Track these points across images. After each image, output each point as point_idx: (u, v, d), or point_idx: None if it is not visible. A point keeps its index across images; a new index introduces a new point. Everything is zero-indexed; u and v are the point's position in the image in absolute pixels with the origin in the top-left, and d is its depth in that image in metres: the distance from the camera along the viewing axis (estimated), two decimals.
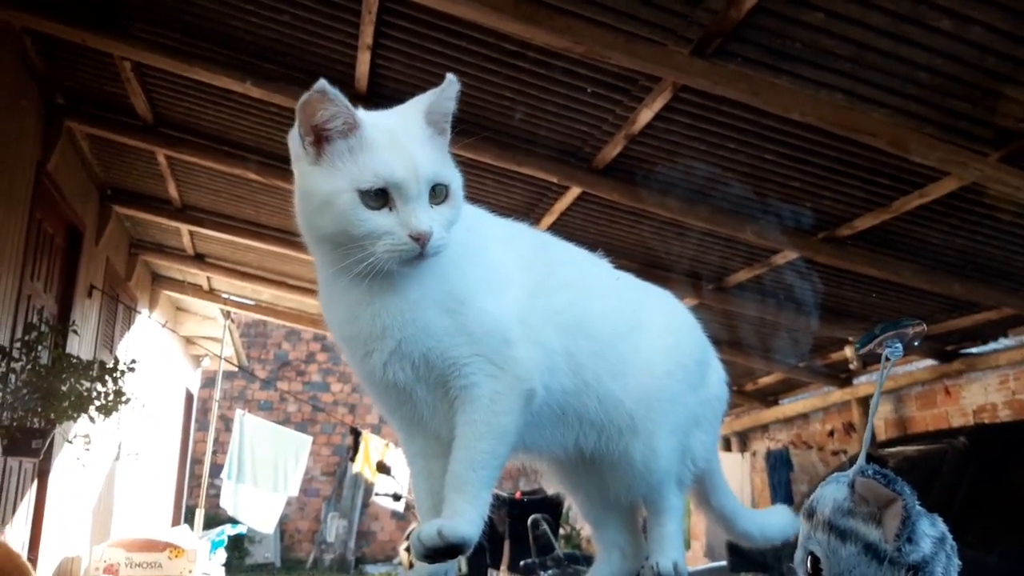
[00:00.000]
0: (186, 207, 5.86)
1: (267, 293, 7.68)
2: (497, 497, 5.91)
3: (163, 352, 8.06)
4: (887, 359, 1.23)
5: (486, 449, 1.28)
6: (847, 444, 7.11)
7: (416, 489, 1.41)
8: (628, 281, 1.66)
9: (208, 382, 11.19)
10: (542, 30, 2.88)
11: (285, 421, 12.00)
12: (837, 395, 7.03)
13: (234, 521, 8.71)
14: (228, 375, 11.53)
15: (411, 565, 1.41)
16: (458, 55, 3.27)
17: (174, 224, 6.16)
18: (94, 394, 4.17)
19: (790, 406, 7.95)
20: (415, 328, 1.27)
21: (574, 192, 4.26)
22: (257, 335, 13.23)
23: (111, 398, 4.26)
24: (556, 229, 4.63)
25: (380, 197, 1.19)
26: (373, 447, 8.34)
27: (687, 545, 7.90)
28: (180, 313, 8.86)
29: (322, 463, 12.72)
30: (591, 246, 1.65)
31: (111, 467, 6.38)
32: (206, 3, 3.38)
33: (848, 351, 5.83)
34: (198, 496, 8.93)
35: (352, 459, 8.53)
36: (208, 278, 7.63)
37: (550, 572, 4.20)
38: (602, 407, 1.45)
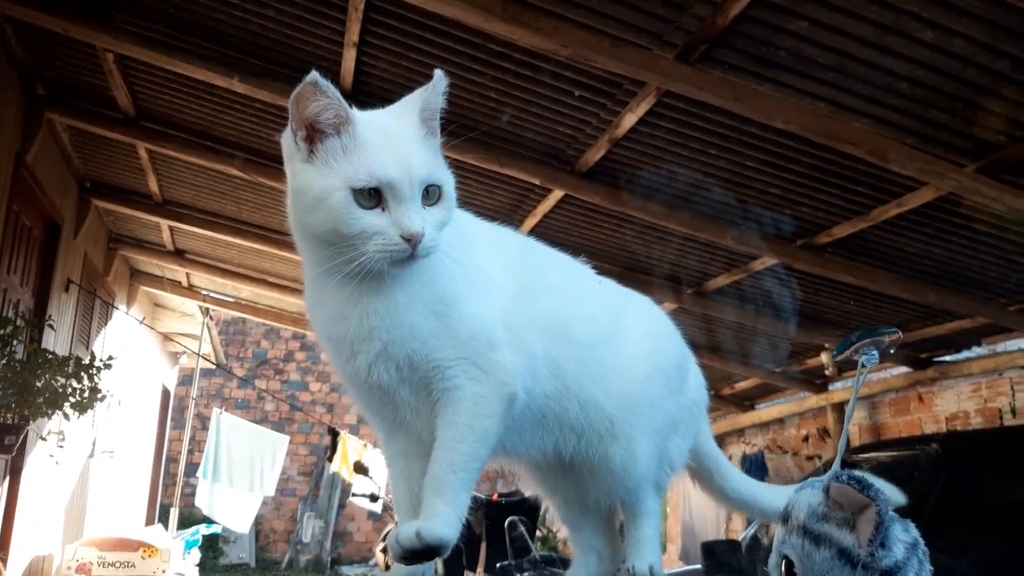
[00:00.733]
0: (167, 202, 5.80)
1: (247, 290, 7.63)
2: (474, 499, 5.92)
3: (140, 349, 7.97)
4: (863, 366, 1.24)
5: (466, 451, 1.28)
6: (821, 449, 7.18)
7: (395, 490, 1.41)
8: (609, 286, 1.67)
9: (185, 380, 11.09)
10: (528, 32, 2.88)
11: (262, 420, 11.91)
12: (813, 400, 7.09)
13: (209, 521, 8.64)
14: (206, 373, 11.43)
15: (387, 566, 1.41)
16: (444, 55, 3.26)
17: (154, 219, 6.10)
18: (69, 390, 4.13)
19: (766, 411, 8.01)
20: (402, 331, 1.27)
21: (557, 195, 4.27)
22: (236, 333, 13.13)
23: (86, 395, 4.21)
24: (538, 231, 4.64)
25: (373, 197, 1.18)
26: (351, 447, 8.31)
27: (663, 548, 7.94)
28: (158, 309, 8.77)
29: (299, 463, 12.64)
30: (573, 249, 1.66)
31: (85, 465, 6.30)
32: None
33: (824, 357, 5.88)
34: (173, 495, 8.85)
35: (329, 459, 8.49)
36: (187, 274, 7.56)
37: (526, 574, 4.21)
38: (583, 411, 1.46)
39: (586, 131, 3.71)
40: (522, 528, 4.67)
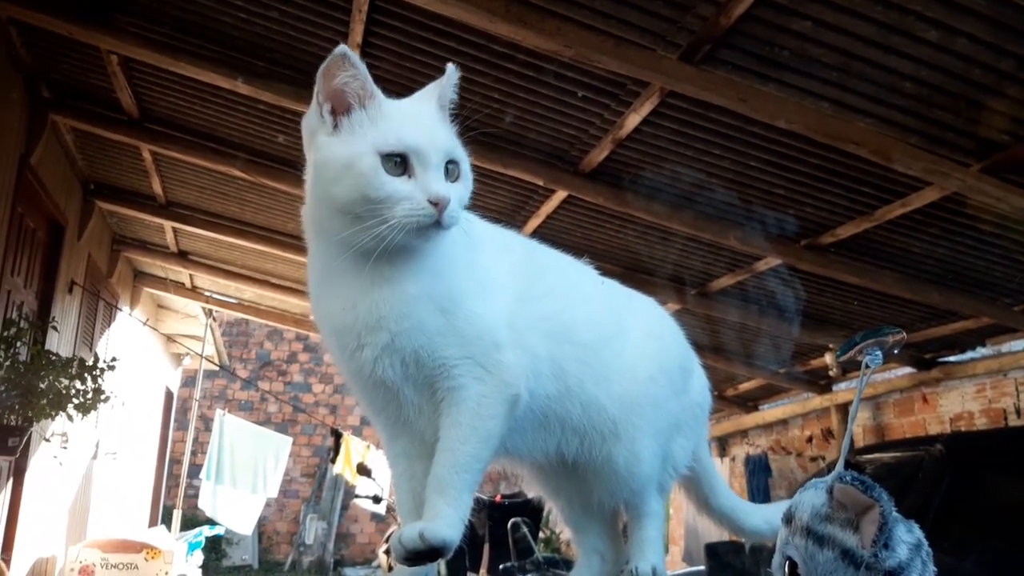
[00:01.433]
0: (170, 203, 5.81)
1: (250, 292, 7.64)
2: (477, 500, 5.90)
3: (143, 350, 7.99)
4: (867, 366, 1.24)
5: (470, 452, 1.28)
6: (825, 450, 7.17)
7: (397, 490, 1.40)
8: (612, 288, 1.67)
9: (188, 381, 11.11)
10: (532, 32, 2.88)
11: (266, 421, 11.94)
12: (816, 401, 7.08)
13: (212, 522, 8.65)
14: (209, 374, 11.45)
15: (391, 568, 1.41)
16: (447, 56, 3.24)
17: (158, 221, 6.11)
18: (73, 392, 4.13)
19: (770, 412, 8.00)
20: (409, 323, 1.26)
21: (560, 195, 4.27)
22: (239, 334, 13.15)
23: (90, 396, 4.22)
24: (542, 232, 4.64)
25: (400, 165, 1.20)
26: (354, 449, 8.31)
27: (666, 550, 7.93)
28: (161, 311, 8.78)
29: (302, 464, 12.66)
30: (576, 249, 1.66)
31: (88, 466, 6.31)
32: None
33: (828, 358, 5.87)
34: (176, 496, 8.86)
35: (332, 460, 8.50)
36: (191, 276, 7.58)
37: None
38: (585, 413, 1.45)
39: (590, 132, 3.71)
40: (525, 529, 4.66)
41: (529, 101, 3.53)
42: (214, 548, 10.80)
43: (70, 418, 4.22)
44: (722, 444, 8.92)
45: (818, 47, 2.80)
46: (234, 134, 4.50)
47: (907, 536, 1.05)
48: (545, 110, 3.59)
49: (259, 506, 8.97)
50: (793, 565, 1.09)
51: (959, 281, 4.48)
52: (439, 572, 5.05)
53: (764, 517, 1.75)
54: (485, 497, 6.08)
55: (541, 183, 4.15)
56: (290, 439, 9.52)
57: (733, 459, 8.52)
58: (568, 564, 3.89)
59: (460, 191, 1.27)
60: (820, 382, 6.93)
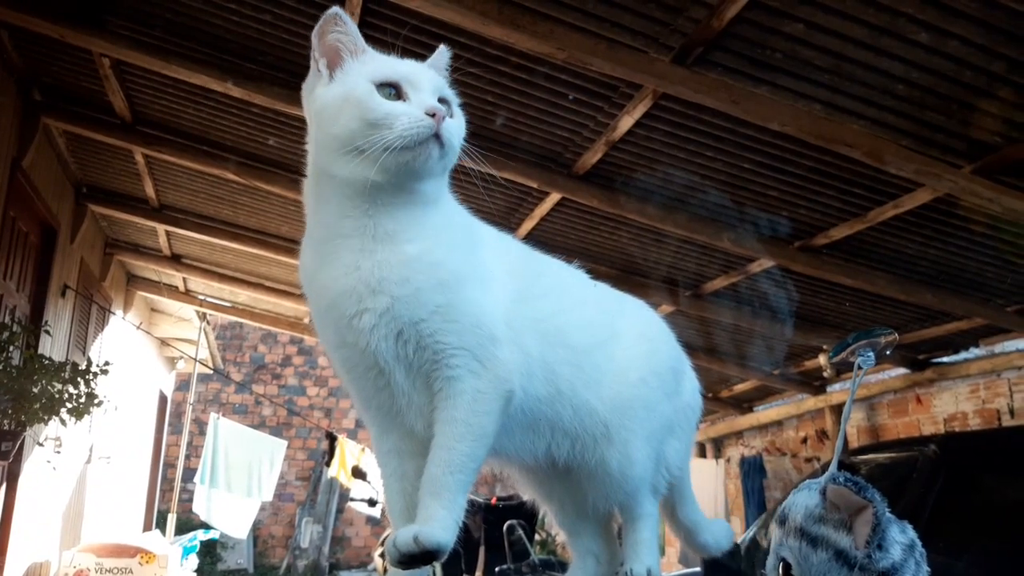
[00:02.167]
0: (163, 207, 5.80)
1: (244, 295, 7.62)
2: (472, 503, 5.91)
3: (137, 354, 7.96)
4: (859, 367, 1.24)
5: (465, 451, 1.27)
6: (820, 451, 7.18)
7: (387, 490, 1.39)
8: (604, 291, 1.67)
9: (182, 385, 11.07)
10: (525, 35, 2.88)
11: (260, 425, 11.90)
12: (811, 402, 7.09)
13: (207, 526, 8.61)
14: (203, 378, 11.41)
15: (386, 571, 1.40)
16: None
17: (151, 224, 6.09)
18: (66, 396, 4.12)
19: (764, 413, 8.01)
20: (408, 289, 1.27)
21: (554, 198, 4.27)
22: (233, 337, 13.11)
23: (83, 400, 4.20)
24: (536, 234, 4.64)
25: (394, 93, 1.27)
26: (349, 452, 8.29)
27: (661, 551, 7.93)
28: (155, 314, 8.76)
29: (297, 468, 12.63)
30: (570, 251, 1.67)
31: (82, 470, 6.28)
32: (187, 1, 3.36)
33: (822, 359, 5.88)
34: (170, 500, 8.83)
35: (327, 464, 8.47)
36: (184, 279, 7.56)
37: None
38: (576, 416, 1.45)
39: (583, 134, 3.71)
40: (520, 532, 4.66)
41: (522, 104, 3.54)
42: (209, 552, 10.76)
43: (63, 422, 4.20)
44: (717, 445, 8.93)
45: (810, 49, 2.81)
46: (227, 137, 4.49)
47: (901, 537, 1.05)
48: (538, 112, 3.60)
49: (254, 510, 8.94)
50: (787, 566, 1.09)
51: (952, 282, 4.50)
52: (434, 575, 5.04)
53: (713, 534, 1.76)
54: (481, 499, 6.08)
55: (535, 185, 4.15)
56: (285, 442, 9.49)
57: (728, 460, 8.53)
58: (564, 566, 3.89)
59: (454, 122, 1.33)
60: (814, 383, 6.94)
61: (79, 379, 4.19)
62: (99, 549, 5.95)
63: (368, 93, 1.25)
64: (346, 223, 1.28)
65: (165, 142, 4.60)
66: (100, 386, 4.41)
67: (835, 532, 1.05)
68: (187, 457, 9.83)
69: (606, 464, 1.48)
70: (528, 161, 4.00)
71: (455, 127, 1.31)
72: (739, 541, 3.96)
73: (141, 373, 8.19)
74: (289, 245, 5.48)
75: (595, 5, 2.80)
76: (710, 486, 7.96)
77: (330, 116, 1.28)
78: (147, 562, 6.01)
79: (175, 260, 6.95)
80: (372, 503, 5.84)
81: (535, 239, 4.67)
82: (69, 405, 4.13)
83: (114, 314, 6.98)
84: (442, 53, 1.42)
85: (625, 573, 1.52)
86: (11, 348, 3.94)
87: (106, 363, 4.50)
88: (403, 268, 1.27)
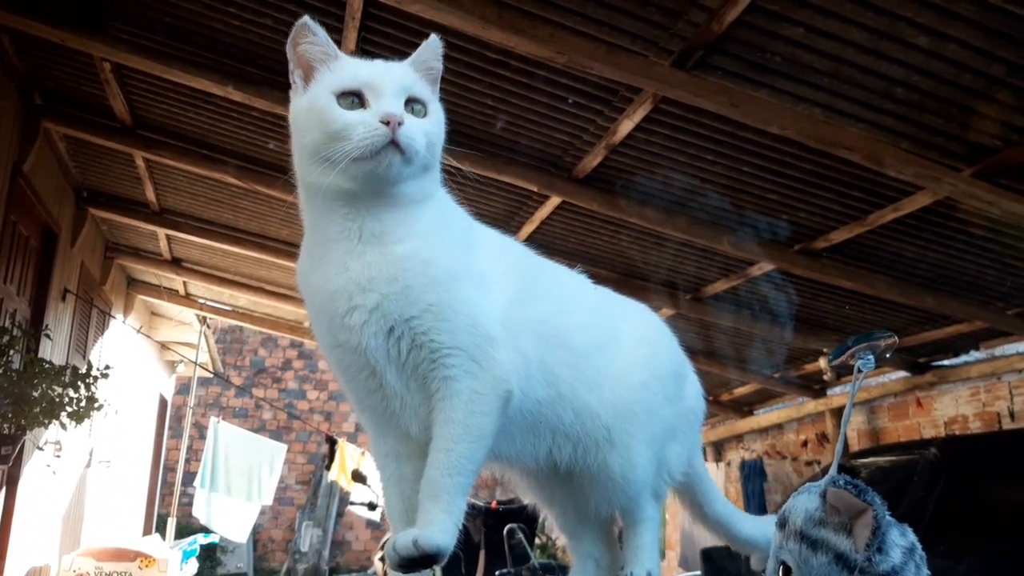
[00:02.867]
0: (164, 211, 5.80)
1: (244, 299, 7.62)
2: (473, 507, 5.91)
3: (137, 358, 7.96)
4: (859, 371, 1.24)
5: (463, 452, 1.27)
6: (820, 454, 7.18)
7: (386, 494, 1.39)
8: (606, 294, 1.67)
9: (182, 388, 11.07)
10: (525, 39, 2.88)
11: (260, 429, 11.89)
12: (811, 406, 7.09)
13: (206, 530, 8.60)
14: (203, 381, 11.41)
15: (386, 575, 1.40)
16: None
17: (151, 228, 6.10)
18: (66, 400, 4.12)
19: (765, 416, 8.00)
20: (397, 286, 1.27)
21: (554, 201, 4.27)
22: (233, 341, 13.11)
23: (83, 404, 4.20)
24: (536, 238, 4.65)
25: (356, 102, 1.26)
26: (349, 455, 8.29)
27: (662, 555, 7.93)
28: (155, 318, 8.76)
29: (297, 471, 12.61)
30: (570, 255, 1.67)
31: (82, 474, 6.28)
32: (188, 5, 3.36)
33: (822, 362, 5.88)
34: (170, 504, 8.82)
35: (327, 467, 8.47)
36: (184, 283, 7.56)
37: None
38: (577, 419, 1.45)
39: (583, 138, 3.71)
40: (521, 535, 4.66)
41: (522, 107, 3.54)
42: (209, 556, 10.74)
43: (63, 426, 4.20)
44: (717, 449, 8.92)
45: (810, 53, 2.82)
46: (227, 141, 4.49)
47: (900, 540, 1.05)
48: (538, 116, 3.60)
49: (254, 514, 8.93)
50: (787, 569, 1.09)
51: (952, 285, 4.50)
52: None
53: (757, 526, 1.75)
54: (481, 503, 6.08)
55: (535, 189, 4.15)
56: (285, 446, 9.48)
57: (728, 464, 8.53)
58: (564, 570, 3.89)
59: (424, 124, 1.30)
60: (815, 386, 6.94)
61: (79, 383, 4.20)
62: (99, 553, 5.95)
63: (328, 105, 1.25)
64: (332, 227, 1.30)
65: (165, 146, 4.60)
66: (100, 390, 4.41)
67: (835, 535, 1.04)
68: (187, 461, 9.83)
69: (608, 468, 1.48)
70: (528, 165, 4.00)
71: (416, 129, 1.27)
72: None
73: (141, 377, 8.19)
74: (289, 249, 5.48)
75: (595, 9, 2.80)
76: None
77: (300, 127, 1.31)
78: (147, 566, 6.01)
79: (175, 264, 6.96)
80: (372, 507, 5.84)
81: (535, 243, 4.65)
82: (69, 409, 4.13)
83: (114, 318, 6.98)
84: (429, 44, 1.39)
85: None
86: (11, 352, 3.94)
87: (106, 367, 4.50)
88: (391, 267, 1.27)
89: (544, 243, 4.69)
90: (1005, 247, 3.85)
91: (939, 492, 3.36)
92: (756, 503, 7.37)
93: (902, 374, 6.09)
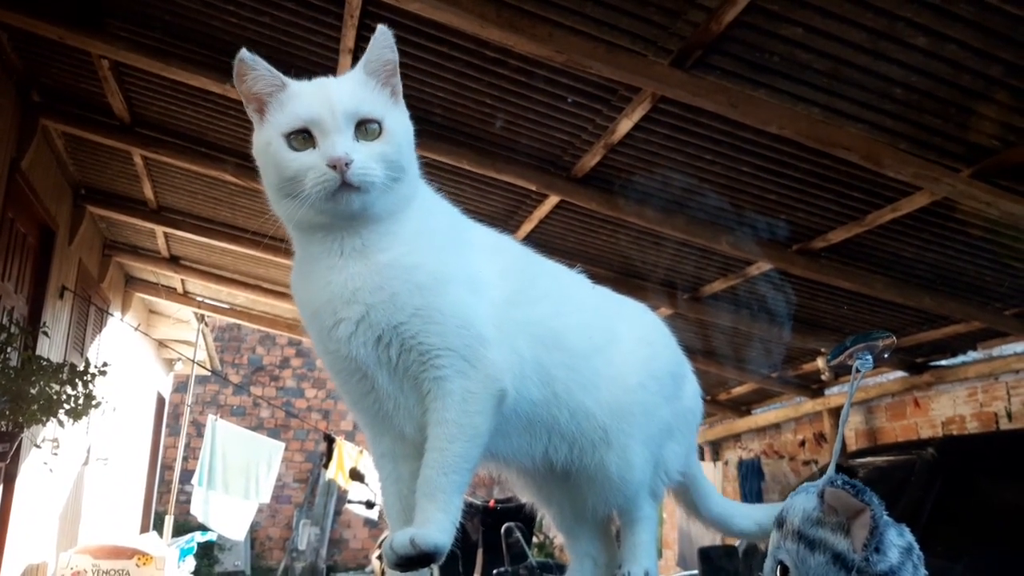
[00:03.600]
0: (162, 208, 5.80)
1: (242, 297, 7.62)
2: (470, 505, 5.91)
3: (135, 355, 7.95)
4: (857, 370, 1.24)
5: (458, 452, 1.27)
6: (818, 454, 7.18)
7: (384, 493, 1.39)
8: (604, 294, 1.67)
9: (180, 386, 11.07)
10: (523, 38, 2.89)
11: (258, 427, 11.89)
12: (809, 405, 7.09)
13: (204, 528, 8.61)
14: (201, 379, 11.40)
15: (383, 573, 1.41)
16: (439, 61, 3.27)
17: (149, 225, 6.09)
18: (64, 397, 4.11)
19: (762, 416, 8.01)
20: (383, 295, 1.27)
21: (553, 200, 4.27)
22: (231, 339, 13.10)
23: (81, 402, 4.20)
24: (534, 237, 4.65)
25: (305, 140, 1.24)
26: (347, 454, 8.29)
27: (659, 554, 7.93)
28: (153, 316, 8.75)
29: (295, 470, 12.61)
30: (569, 254, 1.67)
31: (79, 472, 6.28)
32: (186, 3, 3.36)
33: (820, 362, 5.89)
34: (168, 502, 8.82)
35: (325, 466, 8.47)
36: (182, 281, 7.55)
37: None
38: (573, 419, 1.45)
39: (582, 137, 3.71)
40: (518, 534, 4.66)
41: (521, 106, 3.54)
42: (206, 554, 10.74)
43: (61, 424, 4.19)
44: (715, 448, 8.93)
45: (808, 53, 2.82)
46: (225, 138, 4.49)
47: (898, 540, 1.05)
48: (537, 115, 3.60)
49: (251, 512, 8.94)
50: (785, 569, 1.09)
51: (950, 285, 4.50)
52: None
53: (753, 518, 1.76)
54: (479, 502, 6.07)
55: (534, 188, 4.15)
56: (282, 444, 9.49)
57: (726, 463, 8.54)
58: (561, 569, 3.89)
59: (377, 148, 1.26)
60: (812, 386, 6.94)
61: (77, 380, 4.19)
62: (96, 551, 5.95)
63: (279, 148, 1.24)
64: (313, 246, 1.31)
65: (164, 144, 4.60)
66: (98, 387, 4.41)
67: (833, 535, 1.05)
68: (185, 459, 9.82)
69: (605, 468, 1.48)
70: (527, 164, 4.00)
71: (368, 161, 1.23)
72: (737, 544, 3.96)
73: (139, 375, 8.19)
74: (287, 247, 5.47)
75: (594, 8, 2.80)
76: None
77: (261, 166, 1.31)
78: (144, 564, 6.00)
79: (173, 262, 6.95)
80: (370, 505, 5.84)
81: (534, 242, 4.66)
82: (67, 406, 4.12)
83: (112, 315, 6.97)
84: (378, 38, 1.30)
85: (623, 575, 1.52)
86: (9, 349, 3.94)
87: (104, 364, 4.50)
88: (376, 276, 1.27)
89: (543, 242, 4.69)
90: (1003, 248, 3.86)
91: (937, 492, 3.36)
92: (753, 503, 7.38)
93: (900, 374, 6.10)
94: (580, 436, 1.46)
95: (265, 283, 7.00)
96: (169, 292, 7.80)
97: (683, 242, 4.50)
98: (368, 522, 11.81)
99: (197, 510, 8.41)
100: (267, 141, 1.26)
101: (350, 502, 7.56)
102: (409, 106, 1.37)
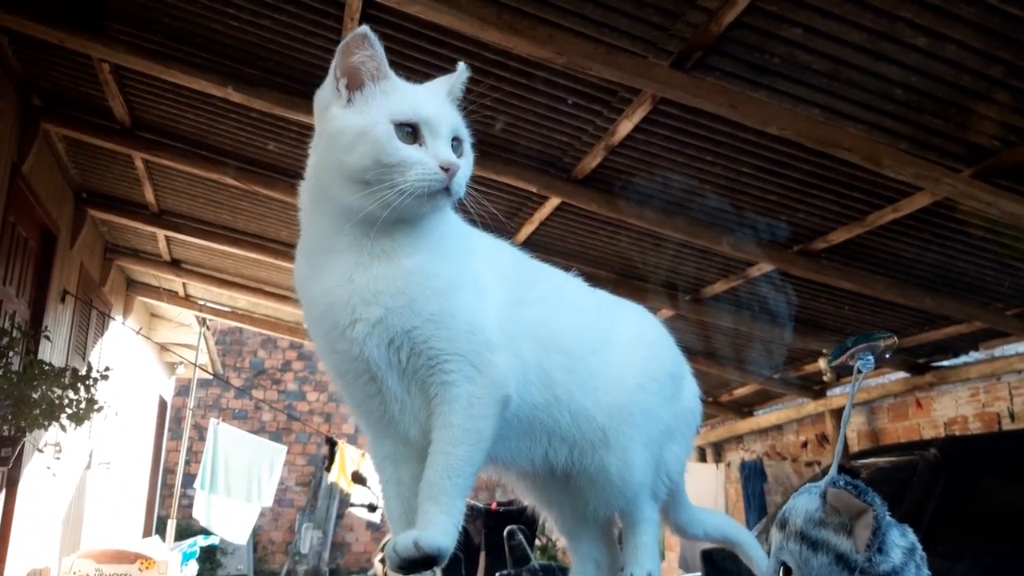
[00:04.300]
0: (163, 212, 5.80)
1: (244, 300, 7.62)
2: (473, 508, 5.91)
3: (137, 359, 7.96)
4: (859, 371, 1.24)
5: (462, 455, 1.27)
6: (820, 455, 7.18)
7: (386, 496, 1.39)
8: (602, 297, 1.67)
9: (182, 390, 11.06)
10: (524, 40, 2.89)
11: (260, 430, 11.89)
12: (811, 406, 7.09)
13: (206, 532, 8.60)
14: (203, 383, 11.40)
15: None
16: (439, 63, 3.27)
17: (150, 229, 6.10)
18: (66, 402, 4.11)
19: (764, 417, 8.00)
20: (404, 300, 1.27)
21: (554, 202, 4.27)
22: (233, 343, 13.10)
23: (83, 406, 4.20)
24: (535, 239, 4.65)
25: (411, 134, 1.26)
26: (349, 457, 8.29)
27: (662, 556, 7.92)
28: (155, 320, 8.76)
29: (297, 473, 12.61)
30: (570, 256, 1.67)
31: (82, 476, 6.27)
32: (187, 6, 3.36)
33: (822, 363, 5.88)
34: (170, 506, 8.81)
35: (327, 469, 8.48)
36: (184, 284, 7.55)
37: None
38: (574, 422, 1.45)
39: (582, 139, 3.72)
40: (521, 537, 4.65)
41: (521, 108, 3.54)
42: (209, 558, 10.73)
43: (63, 428, 4.19)
44: (717, 450, 8.92)
45: (809, 54, 2.82)
46: (226, 142, 4.49)
47: (901, 540, 1.05)
48: (537, 117, 3.60)
49: (254, 515, 8.93)
50: (787, 570, 1.09)
51: (951, 286, 4.50)
52: None
53: (702, 524, 1.79)
54: (481, 505, 6.07)
55: (534, 190, 4.15)
56: (285, 448, 9.48)
57: (728, 465, 8.52)
58: (564, 571, 3.88)
59: (464, 166, 1.32)
60: (814, 387, 6.94)
61: (79, 385, 4.19)
62: (99, 555, 5.94)
63: (387, 135, 1.24)
64: (341, 239, 1.29)
65: (165, 147, 4.60)
66: (100, 392, 4.40)
67: (835, 536, 1.05)
68: (187, 463, 9.82)
69: (605, 470, 1.48)
70: (527, 165, 4.00)
71: (464, 174, 1.30)
72: None
73: (141, 378, 8.19)
74: (288, 250, 5.47)
75: (594, 10, 2.80)
76: (710, 491, 7.95)
77: (344, 144, 1.26)
78: (147, 568, 6.00)
79: (175, 265, 6.96)
80: (372, 508, 5.85)
81: (534, 243, 4.68)
82: (69, 411, 4.12)
83: (114, 319, 6.98)
84: (461, 75, 1.41)
85: None
86: (11, 353, 3.94)
87: (106, 368, 4.50)
88: (399, 280, 1.27)
89: (543, 244, 4.69)
90: (1004, 248, 3.85)
91: (939, 493, 3.36)
92: (756, 504, 7.37)
93: (902, 375, 6.09)
94: (580, 438, 1.46)
95: (267, 286, 7.01)
96: (171, 296, 7.80)
97: (684, 243, 4.50)
98: (370, 525, 11.81)
99: (199, 514, 8.40)
100: (370, 123, 1.25)
101: (352, 505, 7.56)
102: None
